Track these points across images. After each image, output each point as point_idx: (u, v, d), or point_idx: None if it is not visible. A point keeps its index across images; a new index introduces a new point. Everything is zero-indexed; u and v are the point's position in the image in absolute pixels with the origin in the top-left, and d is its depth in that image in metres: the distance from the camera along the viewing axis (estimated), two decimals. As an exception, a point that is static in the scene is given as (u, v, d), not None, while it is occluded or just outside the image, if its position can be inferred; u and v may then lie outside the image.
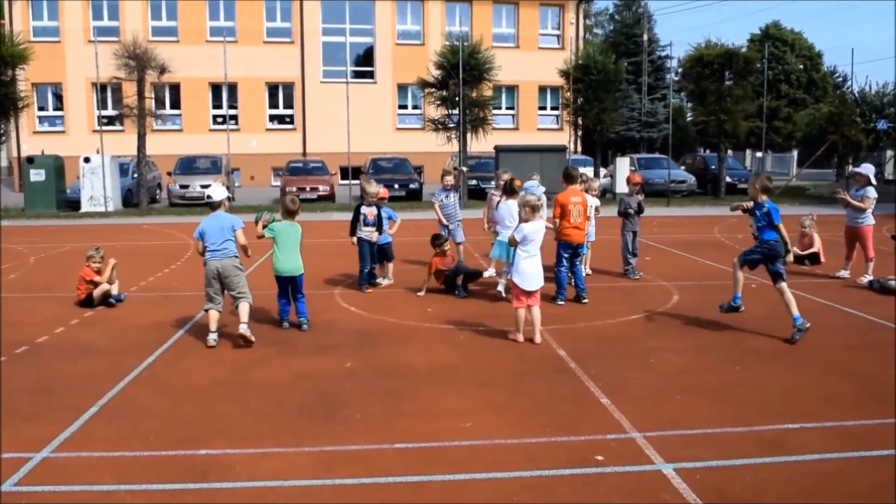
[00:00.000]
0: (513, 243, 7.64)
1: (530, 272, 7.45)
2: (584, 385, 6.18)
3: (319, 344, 7.52)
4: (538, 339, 7.50)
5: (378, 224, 10.09)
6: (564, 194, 9.39)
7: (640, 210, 11.12)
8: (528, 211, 7.61)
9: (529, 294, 7.50)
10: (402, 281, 10.71)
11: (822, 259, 12.22)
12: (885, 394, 5.91)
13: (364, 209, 10.08)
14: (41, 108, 32.25)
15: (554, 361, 6.89)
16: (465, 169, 10.23)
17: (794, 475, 4.49)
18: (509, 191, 9.52)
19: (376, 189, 10.28)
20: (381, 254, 10.52)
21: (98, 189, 22.28)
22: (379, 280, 10.53)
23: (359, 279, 10.30)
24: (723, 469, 4.55)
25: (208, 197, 7.99)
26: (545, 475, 4.46)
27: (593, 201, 10.59)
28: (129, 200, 23.98)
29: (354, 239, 10.16)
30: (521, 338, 7.54)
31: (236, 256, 7.67)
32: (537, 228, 7.56)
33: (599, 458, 4.69)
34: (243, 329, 7.36)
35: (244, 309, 7.49)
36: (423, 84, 25.99)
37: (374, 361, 6.90)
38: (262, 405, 5.72)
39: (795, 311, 7.68)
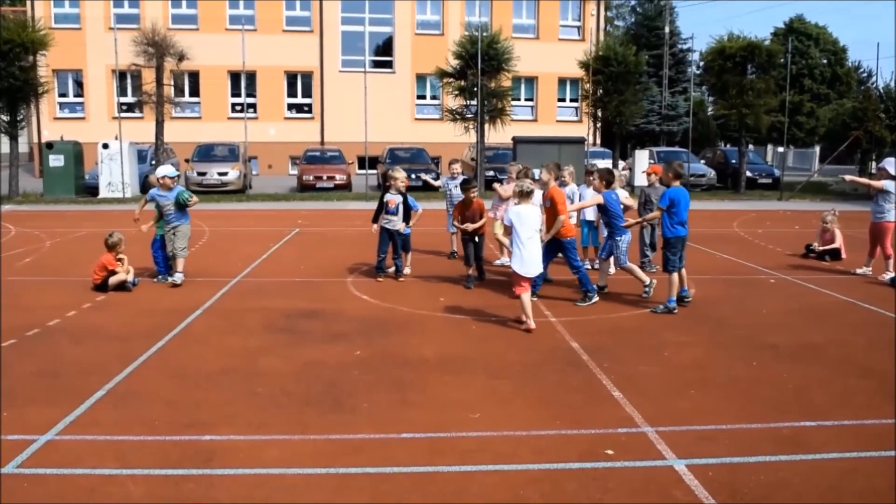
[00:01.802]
0: (507, 231, 7.82)
1: (528, 258, 7.55)
2: (596, 378, 6.07)
3: (329, 332, 7.46)
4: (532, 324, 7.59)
5: (405, 214, 9.96)
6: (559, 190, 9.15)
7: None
8: (517, 196, 7.86)
9: (529, 279, 7.64)
10: (417, 270, 10.62)
11: (844, 255, 11.99)
12: (904, 393, 5.76)
13: (388, 197, 9.97)
14: (62, 95, 32.41)
15: (566, 353, 6.78)
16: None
17: (811, 474, 4.37)
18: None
19: (404, 174, 10.12)
20: (400, 243, 10.36)
21: (116, 175, 22.36)
22: (390, 269, 10.35)
23: (376, 267, 10.22)
24: (736, 466, 4.43)
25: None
26: (553, 468, 4.37)
27: (623, 193, 10.40)
28: (147, 187, 23.99)
29: (374, 227, 10.05)
30: (532, 324, 7.50)
31: None
32: (527, 213, 7.66)
33: (609, 452, 4.59)
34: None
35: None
36: (442, 74, 25.83)
37: (383, 351, 6.82)
38: (268, 393, 5.66)
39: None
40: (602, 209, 9.24)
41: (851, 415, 5.32)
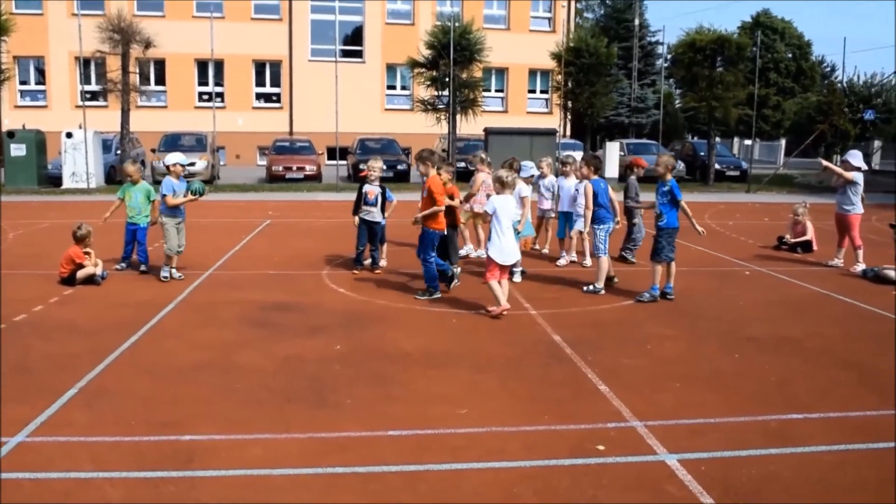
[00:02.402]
0: (485, 217, 7.93)
1: (507, 248, 7.65)
2: (580, 371, 6.01)
3: (307, 326, 7.31)
4: (502, 309, 7.66)
5: (381, 204, 9.79)
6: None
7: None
8: (499, 186, 7.90)
9: (504, 268, 7.71)
10: (392, 263, 10.50)
11: (815, 247, 12.12)
12: (885, 384, 5.79)
13: (366, 187, 9.81)
14: (23, 82, 31.56)
15: (549, 347, 6.72)
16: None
17: (801, 467, 4.35)
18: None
19: (381, 164, 9.97)
20: (378, 235, 10.22)
21: (80, 165, 21.83)
22: (367, 262, 10.22)
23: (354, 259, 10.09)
24: (727, 460, 4.40)
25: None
26: (545, 465, 4.29)
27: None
28: (112, 177, 23.53)
29: (356, 219, 9.90)
30: (502, 308, 7.62)
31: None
32: (507, 203, 7.76)
33: (600, 447, 4.53)
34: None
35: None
36: (414, 64, 25.63)
37: (363, 345, 6.70)
38: (248, 389, 5.51)
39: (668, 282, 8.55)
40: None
41: (836, 407, 5.34)
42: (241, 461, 4.31)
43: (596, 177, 9.12)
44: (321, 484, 4.07)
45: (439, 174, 8.72)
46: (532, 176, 10.20)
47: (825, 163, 11.12)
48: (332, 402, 5.27)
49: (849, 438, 4.77)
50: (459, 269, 9.31)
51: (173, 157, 9.48)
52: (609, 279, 9.16)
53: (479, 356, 6.42)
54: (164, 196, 9.19)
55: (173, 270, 9.39)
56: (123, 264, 9.94)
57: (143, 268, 9.79)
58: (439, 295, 8.51)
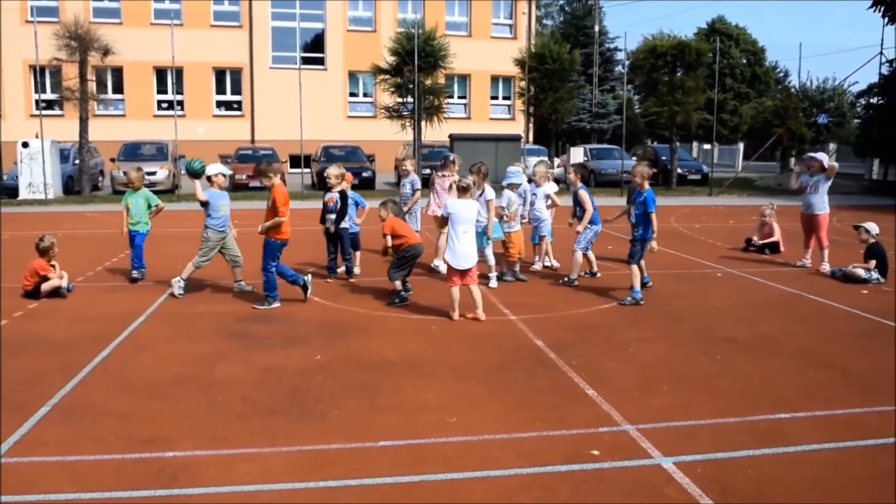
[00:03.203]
0: (442, 223, 8.07)
1: (462, 252, 7.68)
2: (566, 376, 5.97)
3: (285, 336, 7.16)
4: (482, 316, 7.71)
5: (342, 211, 9.64)
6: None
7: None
8: (458, 191, 8.07)
9: (462, 273, 7.70)
10: (366, 270, 10.38)
11: (782, 248, 12.30)
12: (862, 383, 5.86)
13: (326, 195, 9.69)
14: (-26, 91, 30.74)
15: (532, 352, 6.67)
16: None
17: (795, 467, 4.35)
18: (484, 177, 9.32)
19: (338, 171, 9.82)
20: (345, 243, 10.06)
21: (37, 175, 21.27)
22: (340, 269, 10.06)
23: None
24: (723, 462, 4.39)
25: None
26: (542, 472, 4.23)
27: (553, 188, 10.48)
28: (71, 187, 22.99)
29: (323, 228, 9.78)
30: (456, 315, 7.71)
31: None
32: (464, 207, 7.82)
33: (595, 452, 4.48)
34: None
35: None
36: (378, 70, 25.51)
37: (344, 354, 6.58)
38: (230, 402, 5.36)
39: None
40: (576, 202, 9.84)
41: (821, 405, 5.37)
42: (228, 478, 4.17)
43: (581, 184, 9.93)
44: (314, 498, 3.95)
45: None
46: (518, 184, 9.96)
47: (828, 163, 10.94)
48: (318, 413, 5.15)
49: (838, 436, 4.79)
50: (310, 277, 8.87)
51: (215, 168, 9.05)
52: (592, 274, 10.05)
53: (463, 363, 6.34)
54: (204, 204, 8.80)
55: (242, 283, 9.19)
56: (136, 273, 9.70)
57: (134, 274, 9.59)
58: (278, 304, 8.31)
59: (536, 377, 5.96)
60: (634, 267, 8.56)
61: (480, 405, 5.33)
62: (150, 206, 9.82)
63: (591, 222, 9.71)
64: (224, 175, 9.09)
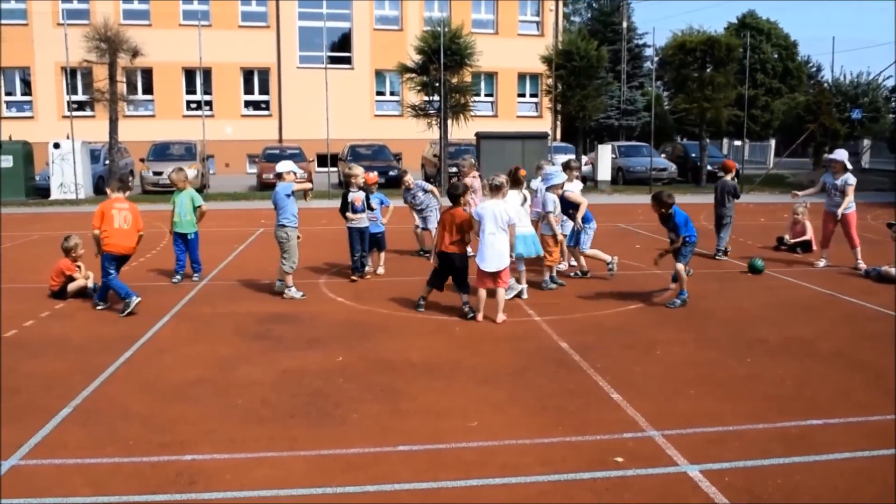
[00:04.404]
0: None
1: (488, 254, 7.60)
2: (591, 379, 5.85)
3: (307, 337, 7.12)
4: (499, 318, 7.62)
5: (367, 210, 9.63)
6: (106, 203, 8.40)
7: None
8: (490, 190, 7.97)
9: (489, 275, 7.60)
10: (391, 270, 10.32)
11: (815, 247, 12.02)
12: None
13: (351, 195, 9.65)
14: (8, 93, 31.24)
15: (555, 354, 6.56)
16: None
17: (827, 475, 4.20)
18: (515, 181, 9.01)
19: (362, 170, 9.82)
20: (373, 243, 10.06)
21: (68, 176, 21.57)
22: (368, 269, 10.01)
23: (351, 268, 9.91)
24: (752, 470, 4.25)
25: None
26: (564, 479, 4.13)
27: (578, 186, 10.26)
28: (101, 188, 23.23)
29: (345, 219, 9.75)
30: (480, 317, 7.67)
31: (281, 226, 8.91)
32: (493, 208, 7.69)
33: (619, 459, 4.37)
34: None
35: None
36: (404, 69, 25.48)
37: (366, 356, 6.52)
38: (248, 405, 5.32)
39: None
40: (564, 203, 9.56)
41: (854, 411, 5.19)
42: (246, 482, 4.12)
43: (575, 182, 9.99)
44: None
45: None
46: (560, 184, 9.50)
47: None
48: (338, 416, 5.09)
49: (872, 444, 4.62)
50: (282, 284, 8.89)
51: (285, 165, 9.03)
52: (584, 273, 9.98)
53: (485, 365, 6.25)
54: (283, 197, 8.80)
55: (292, 289, 8.81)
56: (179, 276, 9.72)
57: (195, 277, 9.72)
58: (137, 301, 7.96)
59: (560, 380, 5.85)
60: (681, 267, 8.36)
61: (502, 409, 5.23)
62: (195, 206, 9.81)
63: (586, 220, 9.59)
64: (295, 173, 8.99)
